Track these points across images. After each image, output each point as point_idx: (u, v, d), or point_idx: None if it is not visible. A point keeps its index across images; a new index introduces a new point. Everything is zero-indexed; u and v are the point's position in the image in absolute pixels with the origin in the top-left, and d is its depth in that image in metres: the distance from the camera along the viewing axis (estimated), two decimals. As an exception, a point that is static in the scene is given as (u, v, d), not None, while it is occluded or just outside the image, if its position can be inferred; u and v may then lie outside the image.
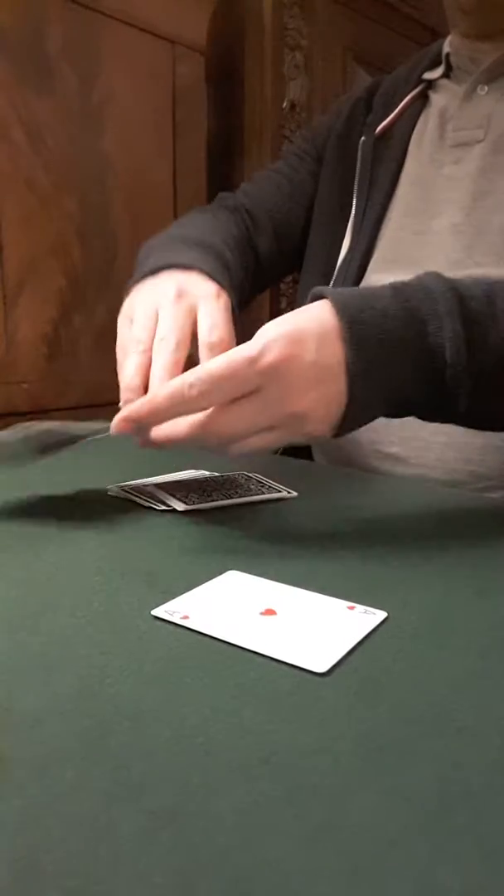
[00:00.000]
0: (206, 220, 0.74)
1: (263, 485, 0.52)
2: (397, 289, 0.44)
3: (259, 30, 1.54)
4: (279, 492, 0.51)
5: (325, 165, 0.82)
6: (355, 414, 0.42)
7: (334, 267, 0.76)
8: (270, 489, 0.51)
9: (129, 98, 1.30)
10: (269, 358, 0.39)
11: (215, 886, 0.16)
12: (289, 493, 0.51)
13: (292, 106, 1.61)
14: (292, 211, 0.80)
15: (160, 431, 0.41)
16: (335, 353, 0.41)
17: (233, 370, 0.38)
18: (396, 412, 0.46)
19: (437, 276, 0.45)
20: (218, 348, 0.47)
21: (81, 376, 1.28)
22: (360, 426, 0.45)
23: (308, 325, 0.41)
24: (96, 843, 0.18)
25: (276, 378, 0.39)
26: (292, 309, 0.46)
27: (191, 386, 0.38)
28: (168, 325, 0.48)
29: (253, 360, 0.38)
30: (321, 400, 0.41)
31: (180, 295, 0.51)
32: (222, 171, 1.62)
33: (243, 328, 0.51)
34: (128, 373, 0.47)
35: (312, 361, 0.40)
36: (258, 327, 0.42)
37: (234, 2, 1.55)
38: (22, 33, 1.12)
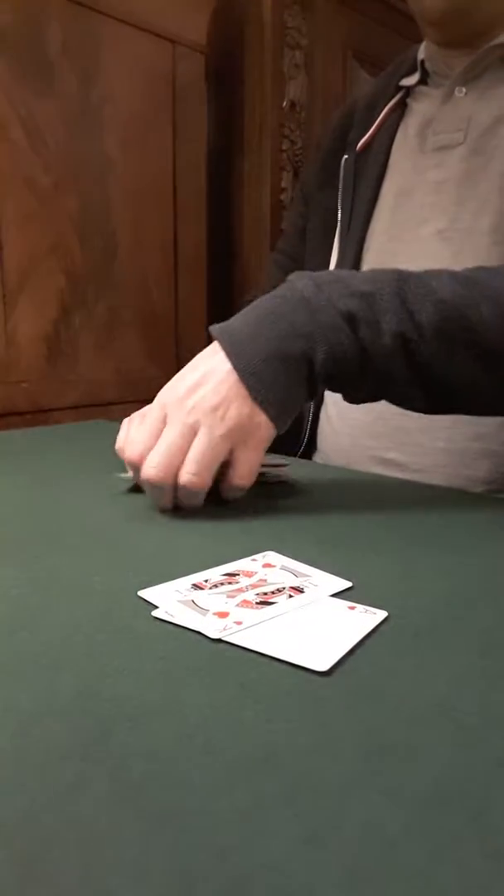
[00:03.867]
0: None
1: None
2: (273, 295, 0.50)
3: (259, 29, 1.54)
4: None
5: (313, 201, 0.84)
6: (266, 398, 0.46)
7: None
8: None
9: (129, 98, 1.30)
10: (164, 394, 0.48)
11: (215, 886, 0.16)
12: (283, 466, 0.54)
13: (292, 105, 1.61)
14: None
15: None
16: (220, 361, 0.47)
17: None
18: (318, 388, 0.49)
19: (304, 274, 0.50)
20: None
21: (81, 376, 1.29)
22: (289, 411, 0.48)
23: (195, 360, 0.48)
24: (96, 844, 0.18)
25: (176, 403, 0.46)
26: None
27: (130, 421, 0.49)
28: None
29: (156, 408, 0.47)
30: (218, 393, 0.46)
31: None
32: (222, 171, 1.62)
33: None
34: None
35: (198, 375, 0.47)
36: None
37: (234, 1, 1.55)
38: (22, 33, 1.12)
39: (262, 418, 0.46)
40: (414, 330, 0.46)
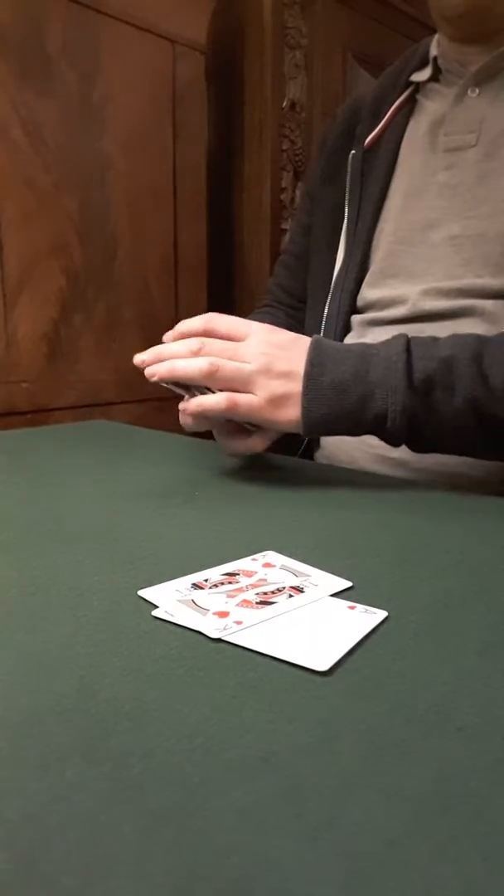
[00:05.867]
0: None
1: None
2: (364, 354, 0.53)
3: (259, 29, 1.54)
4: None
5: (318, 197, 0.83)
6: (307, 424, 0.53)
7: (331, 283, 0.77)
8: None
9: (129, 98, 1.30)
10: (259, 335, 0.54)
11: (215, 886, 0.16)
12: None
13: (292, 105, 1.61)
14: (297, 276, 0.89)
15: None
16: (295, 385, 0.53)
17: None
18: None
19: (400, 341, 0.53)
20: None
21: (81, 376, 1.29)
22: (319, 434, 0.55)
23: (289, 354, 0.54)
24: (96, 843, 0.18)
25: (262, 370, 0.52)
26: None
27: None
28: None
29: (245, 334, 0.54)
30: (276, 392, 0.53)
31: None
32: (222, 171, 1.62)
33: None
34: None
35: (283, 370, 0.53)
36: None
37: (234, 1, 1.55)
38: (22, 33, 1.12)
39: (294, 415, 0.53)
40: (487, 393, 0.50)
